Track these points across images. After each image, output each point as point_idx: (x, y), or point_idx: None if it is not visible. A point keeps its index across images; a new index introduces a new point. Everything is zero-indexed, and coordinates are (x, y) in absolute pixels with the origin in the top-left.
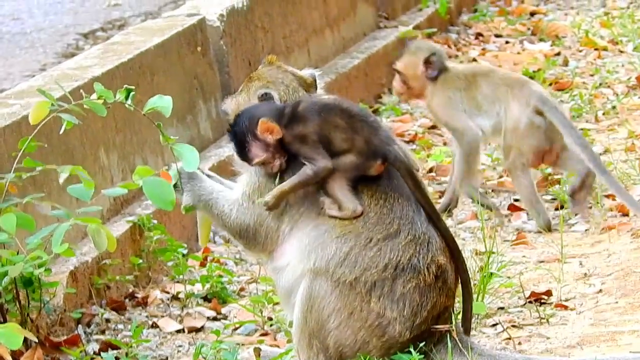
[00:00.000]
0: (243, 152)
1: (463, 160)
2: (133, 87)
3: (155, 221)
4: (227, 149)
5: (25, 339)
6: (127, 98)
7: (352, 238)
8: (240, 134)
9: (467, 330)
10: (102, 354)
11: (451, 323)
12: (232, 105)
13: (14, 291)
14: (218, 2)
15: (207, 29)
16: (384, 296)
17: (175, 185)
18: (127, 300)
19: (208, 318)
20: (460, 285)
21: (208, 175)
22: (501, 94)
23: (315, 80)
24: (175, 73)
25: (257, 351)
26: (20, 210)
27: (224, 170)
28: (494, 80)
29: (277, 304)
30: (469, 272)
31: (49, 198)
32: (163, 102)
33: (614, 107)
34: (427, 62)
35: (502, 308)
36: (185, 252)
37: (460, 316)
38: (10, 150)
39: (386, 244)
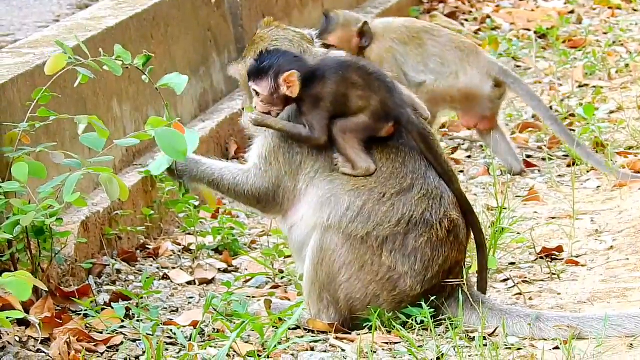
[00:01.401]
0: (255, 79)
1: None
2: (152, 55)
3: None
4: (239, 102)
5: (37, 289)
6: (144, 65)
7: (366, 192)
8: (265, 67)
9: (482, 289)
10: (112, 304)
11: (462, 277)
12: (241, 70)
13: (26, 241)
14: None
15: None
16: (396, 250)
17: (171, 170)
18: (138, 251)
19: (219, 270)
20: (474, 244)
21: None
22: (452, 58)
23: (313, 39)
24: (189, 25)
25: (268, 303)
26: (33, 159)
27: (235, 123)
28: (442, 41)
29: (288, 257)
30: (483, 233)
31: (61, 148)
32: (178, 80)
33: (627, 65)
34: (361, 33)
35: (513, 263)
36: (196, 204)
37: (470, 271)
38: (24, 100)
39: (399, 199)
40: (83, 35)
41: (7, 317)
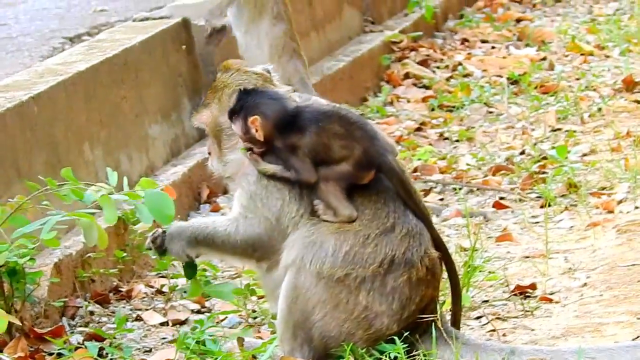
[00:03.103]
0: (230, 117)
1: None
2: None
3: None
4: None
5: (10, 330)
6: None
7: (351, 236)
8: (237, 108)
9: (457, 326)
10: (86, 343)
11: (436, 313)
12: (206, 119)
13: None
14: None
15: (192, 28)
16: (374, 290)
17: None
18: (111, 294)
19: (192, 311)
20: (449, 285)
21: None
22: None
23: (270, 74)
24: (160, 70)
25: (241, 340)
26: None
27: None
28: None
29: (261, 297)
30: (458, 276)
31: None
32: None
33: (599, 109)
34: None
35: (486, 301)
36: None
37: (444, 308)
38: None
39: (382, 239)
40: (54, 79)
41: None
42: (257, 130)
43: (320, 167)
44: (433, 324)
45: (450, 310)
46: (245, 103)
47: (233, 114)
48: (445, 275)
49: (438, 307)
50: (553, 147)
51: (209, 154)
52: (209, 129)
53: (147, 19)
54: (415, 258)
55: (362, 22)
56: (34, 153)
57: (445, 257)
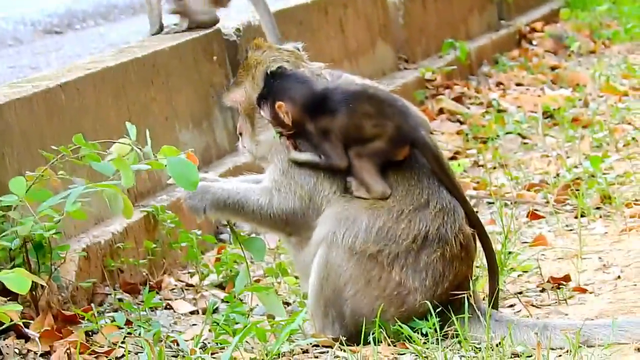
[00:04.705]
0: (258, 102)
1: None
2: None
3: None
4: (243, 158)
5: (36, 306)
6: None
7: (384, 212)
8: (265, 93)
9: (494, 306)
10: (113, 314)
11: (469, 289)
12: (240, 97)
13: (24, 254)
14: (234, 17)
15: (223, 41)
16: (408, 266)
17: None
18: (140, 286)
19: (222, 300)
20: (485, 263)
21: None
22: None
23: (300, 51)
24: (191, 77)
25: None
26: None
27: (239, 174)
28: None
29: (296, 280)
30: (495, 253)
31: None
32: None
33: (633, 139)
34: None
35: (520, 292)
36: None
37: (479, 288)
38: (22, 124)
39: (416, 215)
40: (82, 73)
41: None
42: (285, 115)
43: (354, 145)
44: (466, 300)
45: (483, 292)
46: (272, 88)
47: (261, 99)
48: (479, 253)
49: (471, 284)
50: (586, 172)
51: (240, 134)
52: (242, 107)
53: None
54: (449, 234)
55: (396, 59)
56: (61, 141)
57: (481, 233)
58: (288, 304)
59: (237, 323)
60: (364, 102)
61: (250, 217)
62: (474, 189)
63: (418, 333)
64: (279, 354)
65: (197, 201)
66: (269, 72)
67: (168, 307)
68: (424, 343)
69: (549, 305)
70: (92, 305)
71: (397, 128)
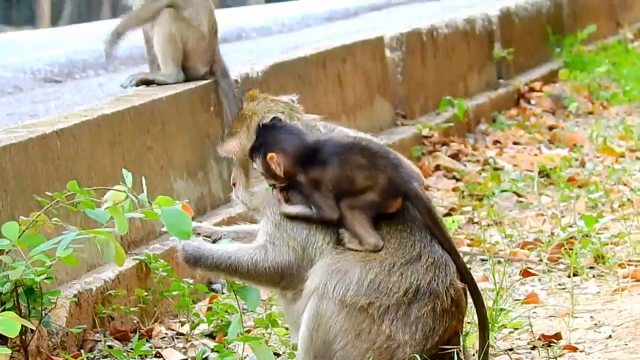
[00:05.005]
0: (250, 154)
1: None
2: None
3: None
4: (237, 209)
5: (25, 353)
6: None
7: (377, 264)
8: (257, 144)
9: None
10: None
11: (459, 344)
12: (234, 148)
13: (15, 299)
14: (232, 69)
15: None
16: (398, 319)
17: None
18: (131, 334)
19: (212, 349)
20: (476, 318)
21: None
22: None
23: (295, 103)
24: (188, 127)
25: None
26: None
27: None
28: None
29: (286, 332)
30: (484, 305)
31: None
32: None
33: (629, 200)
34: None
35: (510, 349)
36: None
37: (468, 343)
38: (15, 168)
39: (408, 268)
40: (78, 120)
41: None
42: (277, 167)
43: (346, 197)
44: (456, 356)
45: (473, 347)
46: (265, 139)
47: (253, 150)
48: (470, 308)
49: (461, 339)
50: (581, 231)
51: (234, 185)
52: (237, 158)
53: None
54: (440, 288)
55: (394, 115)
56: (56, 187)
57: (472, 288)
58: (278, 354)
59: None
60: (356, 153)
61: (245, 276)
62: (468, 245)
63: None
64: None
65: (191, 266)
66: (261, 124)
67: (158, 355)
68: None
69: None
70: (82, 351)
71: (389, 180)
